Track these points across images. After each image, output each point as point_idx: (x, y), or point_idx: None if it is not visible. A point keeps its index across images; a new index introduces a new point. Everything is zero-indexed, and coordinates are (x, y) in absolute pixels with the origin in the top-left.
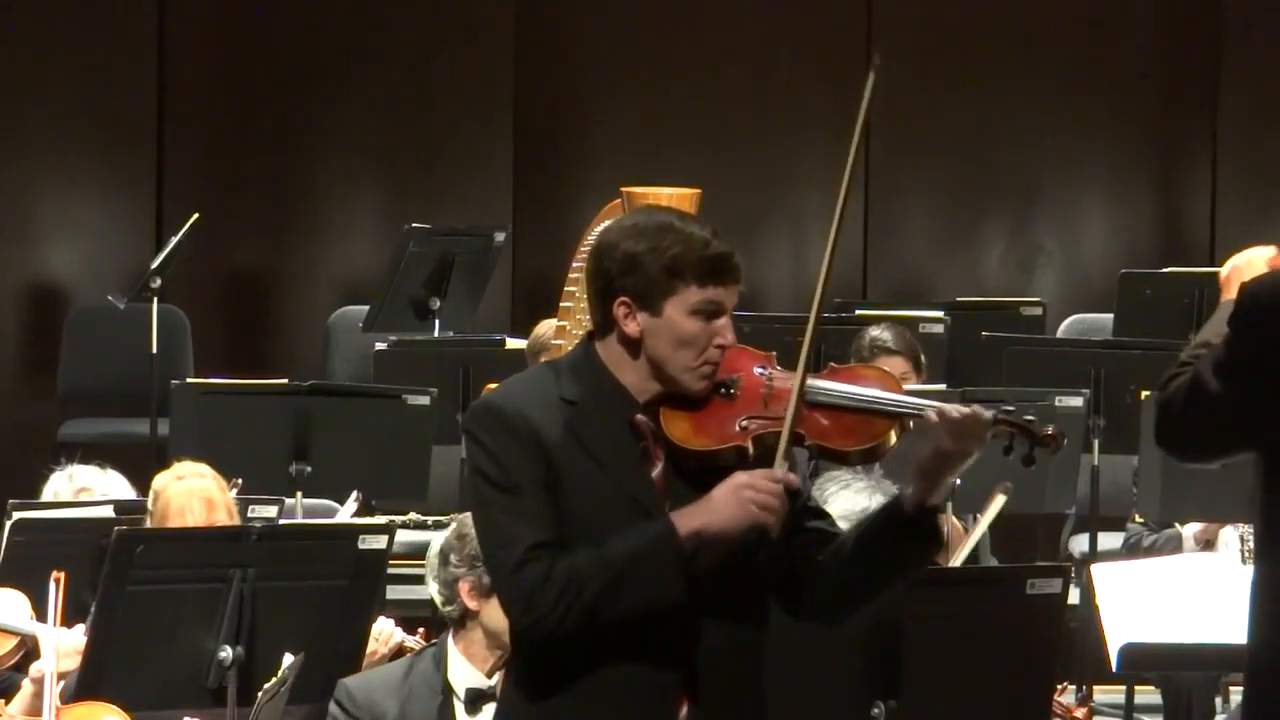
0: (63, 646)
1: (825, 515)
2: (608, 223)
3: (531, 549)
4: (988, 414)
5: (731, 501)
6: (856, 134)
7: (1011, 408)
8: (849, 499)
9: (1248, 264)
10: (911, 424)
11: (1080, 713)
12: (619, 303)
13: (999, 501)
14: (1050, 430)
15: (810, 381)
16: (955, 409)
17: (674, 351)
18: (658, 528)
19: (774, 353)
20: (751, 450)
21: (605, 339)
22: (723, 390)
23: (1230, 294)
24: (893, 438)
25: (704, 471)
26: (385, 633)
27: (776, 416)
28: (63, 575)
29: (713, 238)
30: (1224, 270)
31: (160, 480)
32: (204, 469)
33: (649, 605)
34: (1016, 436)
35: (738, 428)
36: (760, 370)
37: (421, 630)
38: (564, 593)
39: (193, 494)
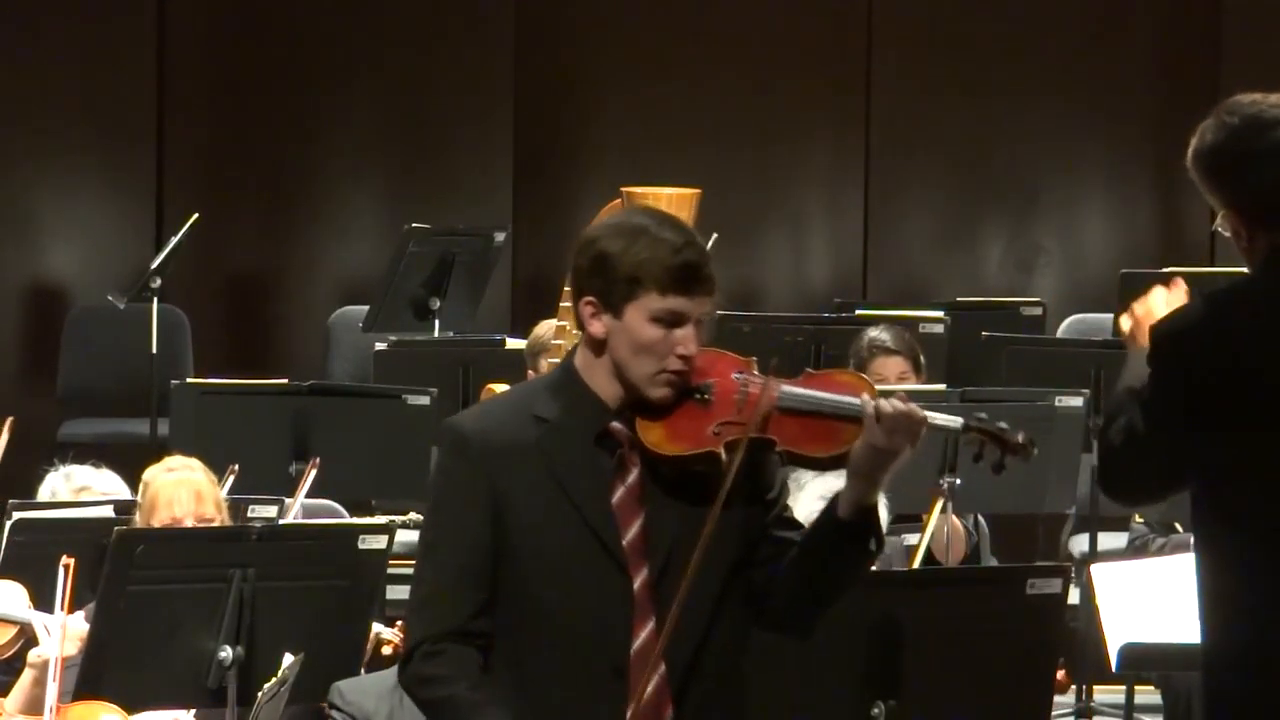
0: (68, 631)
1: (798, 526)
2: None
3: (438, 639)
4: (920, 414)
5: None
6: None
7: (984, 415)
8: (822, 483)
9: (1147, 312)
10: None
11: None
12: (585, 301)
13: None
14: (1021, 438)
15: (783, 387)
16: (888, 403)
17: (633, 357)
18: None
19: (754, 358)
20: (724, 456)
21: (582, 340)
22: (698, 396)
23: (1139, 344)
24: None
25: (680, 478)
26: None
27: (750, 422)
28: (72, 561)
29: (684, 246)
30: (1126, 323)
31: (150, 472)
32: (194, 463)
33: None
34: (987, 444)
35: (711, 433)
36: (737, 376)
37: (400, 624)
38: (430, 696)
39: (180, 485)
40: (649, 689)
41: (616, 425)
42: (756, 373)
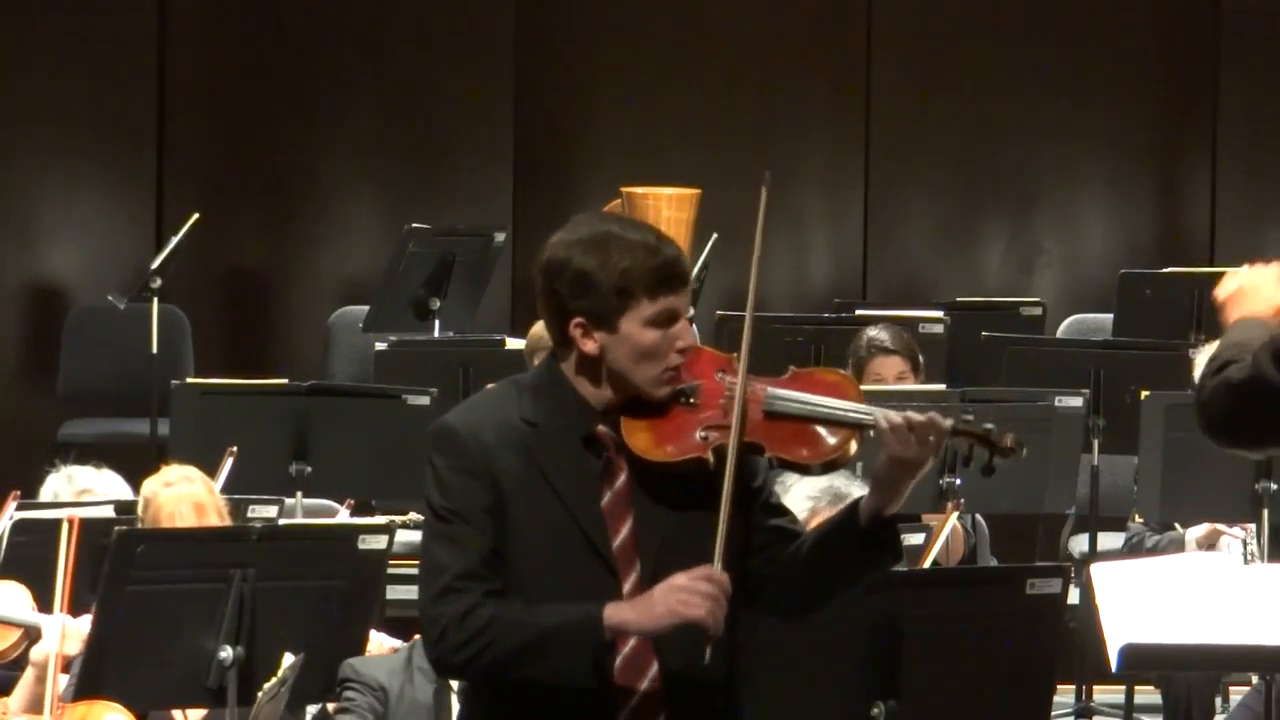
0: (69, 630)
1: (786, 513)
2: (553, 238)
3: (457, 578)
4: (945, 422)
5: (662, 602)
6: (757, 248)
7: (970, 416)
8: (809, 483)
9: (1255, 288)
10: (870, 433)
11: None
12: (574, 324)
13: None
14: (1009, 441)
15: (769, 390)
16: (906, 416)
17: (635, 365)
18: (585, 611)
19: (735, 354)
20: (712, 460)
21: (566, 357)
22: (683, 399)
23: (1234, 316)
24: (853, 447)
25: (668, 480)
26: (385, 647)
27: (735, 429)
28: (77, 519)
29: (658, 243)
30: (1222, 293)
31: (149, 486)
32: (192, 473)
33: (554, 679)
34: (975, 446)
35: (698, 438)
36: (721, 376)
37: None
38: (476, 638)
39: (181, 499)
40: (640, 692)
41: (603, 429)
42: (739, 372)
